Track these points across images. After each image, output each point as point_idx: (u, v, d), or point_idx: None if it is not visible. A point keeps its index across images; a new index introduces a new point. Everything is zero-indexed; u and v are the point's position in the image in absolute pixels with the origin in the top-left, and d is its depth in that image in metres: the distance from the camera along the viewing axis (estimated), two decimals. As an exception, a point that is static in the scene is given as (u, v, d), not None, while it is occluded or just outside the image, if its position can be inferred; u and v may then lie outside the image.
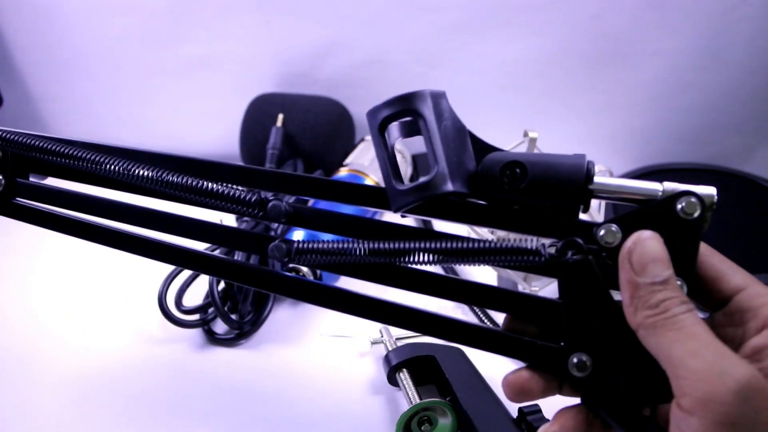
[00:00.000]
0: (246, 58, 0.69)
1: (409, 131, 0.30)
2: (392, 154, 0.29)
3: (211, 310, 0.47)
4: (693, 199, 0.25)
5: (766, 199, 0.61)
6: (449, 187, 0.27)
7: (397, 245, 0.28)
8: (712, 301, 0.27)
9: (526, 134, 0.50)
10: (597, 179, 0.27)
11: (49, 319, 0.49)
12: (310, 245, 0.29)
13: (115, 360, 0.45)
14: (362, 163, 0.60)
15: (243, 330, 0.47)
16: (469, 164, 0.28)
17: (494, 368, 0.38)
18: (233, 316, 0.46)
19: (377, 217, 0.58)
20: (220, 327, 0.48)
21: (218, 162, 0.32)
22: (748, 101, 0.66)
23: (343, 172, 0.59)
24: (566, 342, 0.27)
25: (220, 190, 0.29)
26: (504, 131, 0.57)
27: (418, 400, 0.38)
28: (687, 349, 0.23)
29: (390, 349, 0.42)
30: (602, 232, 0.26)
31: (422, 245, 0.27)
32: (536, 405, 0.36)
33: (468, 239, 0.27)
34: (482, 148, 0.29)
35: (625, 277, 0.25)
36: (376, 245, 0.28)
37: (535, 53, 0.65)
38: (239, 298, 0.47)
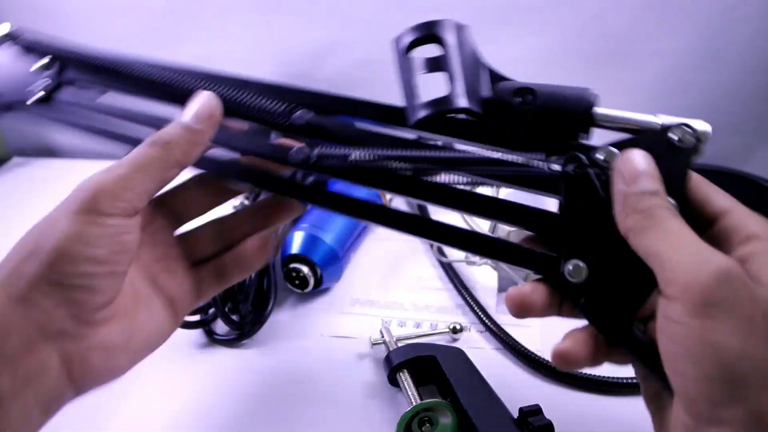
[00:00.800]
0: (246, 58, 0.69)
1: (432, 67, 0.31)
2: (414, 77, 0.31)
3: (211, 310, 0.47)
4: (688, 130, 0.28)
5: (766, 199, 0.61)
6: (464, 102, 0.29)
7: (409, 153, 0.30)
8: (700, 224, 0.27)
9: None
10: (600, 109, 0.29)
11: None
12: (330, 150, 0.31)
13: (116, 360, 0.45)
14: (362, 163, 0.60)
15: (243, 331, 0.47)
16: (484, 91, 0.30)
17: (494, 369, 0.38)
18: (234, 317, 0.47)
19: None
20: (220, 327, 0.48)
21: (247, 79, 0.34)
22: (748, 101, 0.66)
23: (343, 173, 0.59)
24: (563, 251, 0.28)
25: (252, 102, 0.32)
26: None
27: (418, 401, 0.38)
28: (671, 243, 0.24)
29: (390, 349, 0.42)
30: (601, 154, 0.28)
31: (434, 155, 0.30)
32: (537, 405, 0.36)
33: (480, 154, 0.29)
34: (499, 80, 0.30)
35: (618, 188, 0.27)
36: (387, 152, 0.30)
37: (535, 53, 0.65)
38: (240, 299, 0.47)
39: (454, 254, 0.56)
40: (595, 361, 0.28)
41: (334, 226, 0.51)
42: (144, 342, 0.32)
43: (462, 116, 0.30)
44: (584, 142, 0.29)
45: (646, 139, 0.28)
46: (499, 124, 0.30)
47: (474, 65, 0.30)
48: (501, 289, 0.52)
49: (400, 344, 0.43)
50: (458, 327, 0.46)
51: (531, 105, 0.29)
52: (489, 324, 0.47)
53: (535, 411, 0.36)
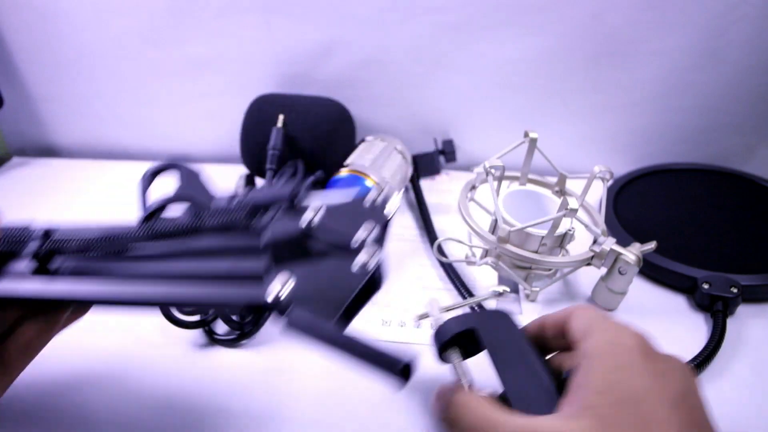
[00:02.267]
0: (246, 59, 0.69)
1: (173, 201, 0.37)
2: (149, 196, 0.37)
3: (211, 310, 0.47)
4: (376, 193, 0.33)
5: (766, 199, 0.61)
6: (185, 194, 0.36)
7: (136, 230, 0.35)
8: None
9: (526, 135, 0.50)
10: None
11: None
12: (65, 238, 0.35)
13: (115, 360, 0.45)
14: (363, 163, 0.60)
15: (244, 330, 0.47)
16: (203, 198, 0.37)
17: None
18: (234, 317, 0.47)
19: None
20: (221, 327, 0.48)
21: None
22: (748, 101, 0.66)
23: (343, 173, 0.59)
24: (266, 271, 0.31)
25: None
26: (504, 131, 0.58)
27: (469, 378, 0.35)
28: None
29: (436, 324, 0.38)
30: (303, 218, 0.33)
31: (152, 226, 0.34)
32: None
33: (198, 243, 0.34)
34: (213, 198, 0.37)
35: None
36: (117, 231, 0.35)
37: (535, 53, 0.65)
38: (240, 299, 0.47)
39: (454, 254, 0.56)
40: None
41: (334, 226, 0.51)
42: None
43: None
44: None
45: (348, 205, 0.33)
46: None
47: (199, 185, 0.37)
48: (501, 289, 0.52)
49: (445, 316, 0.39)
50: (503, 291, 0.44)
51: (241, 200, 0.35)
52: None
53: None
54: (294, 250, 0.31)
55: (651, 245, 0.47)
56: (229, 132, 0.68)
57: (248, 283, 0.31)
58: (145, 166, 0.39)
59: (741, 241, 0.56)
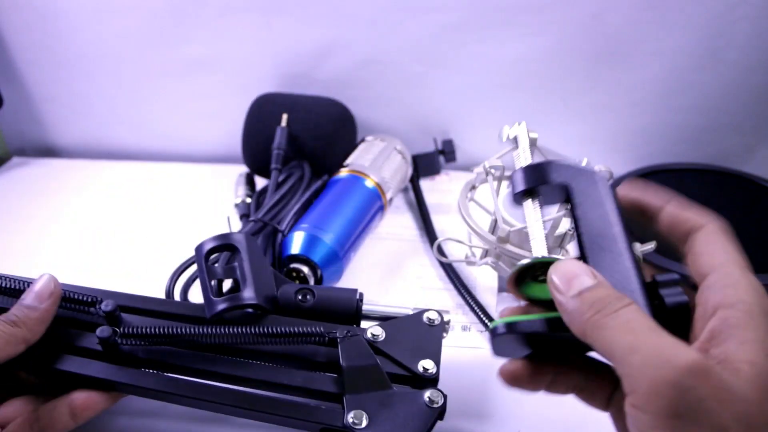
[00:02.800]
0: (246, 59, 0.69)
1: (228, 273, 0.38)
2: (212, 279, 0.37)
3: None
4: (436, 314, 0.38)
5: (766, 199, 0.61)
6: (254, 300, 0.36)
7: (205, 330, 0.35)
8: (696, 276, 0.27)
9: (526, 135, 0.50)
10: (365, 306, 0.38)
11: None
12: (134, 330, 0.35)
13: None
14: (363, 164, 0.60)
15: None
16: (269, 290, 0.38)
17: (494, 369, 0.38)
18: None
19: (377, 218, 0.58)
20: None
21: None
22: (748, 101, 0.66)
23: (343, 173, 0.59)
24: (344, 403, 0.33)
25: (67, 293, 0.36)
26: (504, 131, 0.57)
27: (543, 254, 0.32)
28: (626, 345, 0.22)
29: (522, 163, 0.36)
30: (370, 334, 0.36)
31: (226, 331, 0.35)
32: (677, 276, 0.28)
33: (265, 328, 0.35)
34: (282, 282, 0.40)
35: (557, 300, 0.26)
36: (188, 330, 0.35)
37: (535, 53, 0.65)
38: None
39: (454, 254, 0.56)
40: (534, 386, 0.30)
41: (334, 227, 0.51)
42: None
43: (251, 311, 0.37)
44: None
45: (407, 320, 0.37)
46: (285, 316, 0.37)
47: (261, 268, 0.38)
48: (501, 289, 0.52)
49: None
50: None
51: (309, 302, 0.38)
52: (489, 324, 0.47)
53: (672, 282, 0.27)
54: (366, 375, 0.34)
55: (651, 245, 0.47)
56: (229, 132, 0.68)
57: (323, 401, 0.34)
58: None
59: (741, 241, 0.56)
